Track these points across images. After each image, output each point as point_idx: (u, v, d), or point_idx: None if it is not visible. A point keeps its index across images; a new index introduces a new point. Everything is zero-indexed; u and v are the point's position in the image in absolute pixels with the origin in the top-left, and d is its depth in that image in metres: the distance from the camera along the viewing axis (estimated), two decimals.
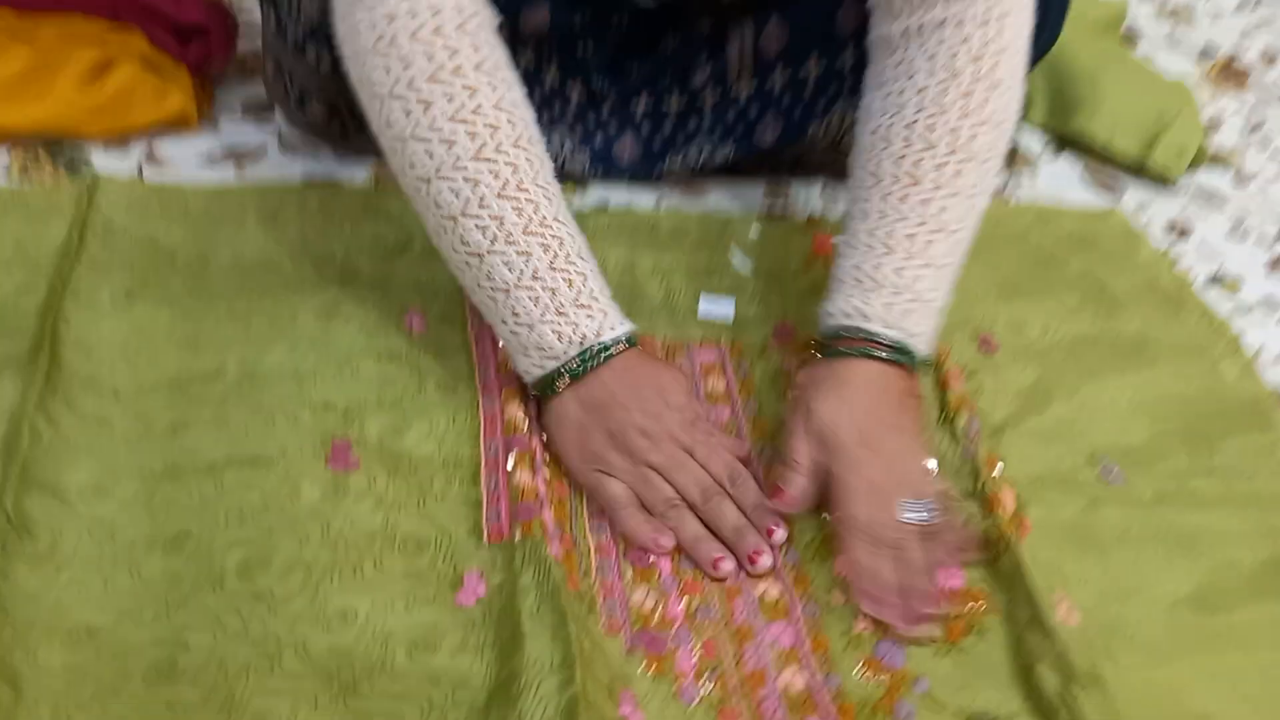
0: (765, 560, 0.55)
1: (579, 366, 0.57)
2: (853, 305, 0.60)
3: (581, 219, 0.76)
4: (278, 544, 0.53)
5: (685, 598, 0.55)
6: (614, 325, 0.58)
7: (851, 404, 0.58)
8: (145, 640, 0.48)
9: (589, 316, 0.57)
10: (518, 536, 0.54)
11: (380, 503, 0.56)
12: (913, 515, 0.55)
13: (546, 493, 0.57)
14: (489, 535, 0.55)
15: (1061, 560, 0.59)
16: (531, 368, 0.58)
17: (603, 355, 0.57)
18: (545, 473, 0.59)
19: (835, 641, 0.54)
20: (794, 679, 0.52)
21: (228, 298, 0.66)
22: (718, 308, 0.73)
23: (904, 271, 0.59)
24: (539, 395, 0.59)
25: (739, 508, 0.57)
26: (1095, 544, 0.60)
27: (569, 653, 0.47)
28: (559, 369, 0.57)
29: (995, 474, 0.62)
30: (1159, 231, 0.87)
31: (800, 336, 0.69)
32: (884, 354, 0.59)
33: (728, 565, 0.55)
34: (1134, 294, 0.78)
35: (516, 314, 0.57)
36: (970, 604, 0.56)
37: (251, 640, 0.49)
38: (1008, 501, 0.60)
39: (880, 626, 0.54)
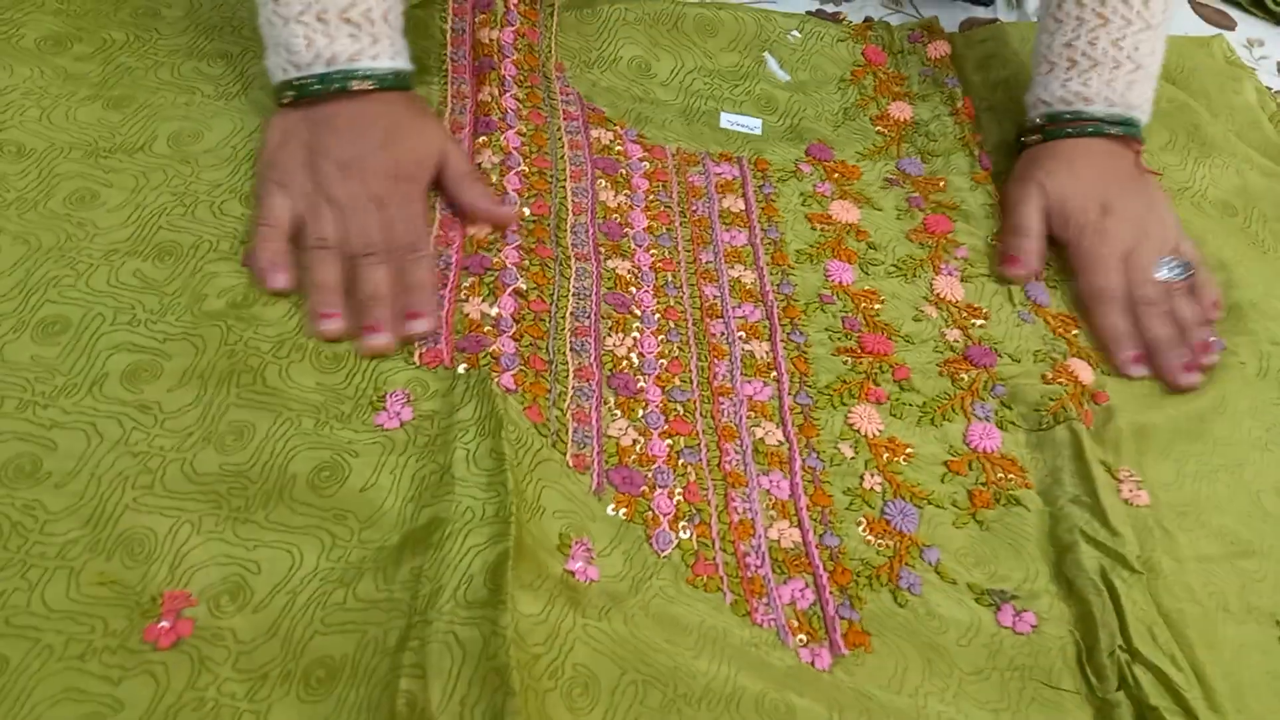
0: (380, 339, 0.47)
1: (318, 86, 0.51)
2: (1071, 90, 0.58)
3: (592, 9, 0.66)
4: (172, 352, 0.45)
5: (671, 438, 0.47)
6: (377, 56, 0.51)
7: (1085, 179, 0.57)
8: (4, 432, 0.42)
9: (352, 37, 0.51)
10: (461, 369, 0.47)
11: (297, 306, 0.48)
12: (1171, 272, 0.55)
13: (516, 313, 0.50)
14: (422, 358, 0.48)
15: (1142, 434, 0.52)
16: (275, 69, 0.52)
17: (349, 83, 0.51)
18: (519, 286, 0.51)
19: (838, 499, 0.47)
20: (785, 534, 0.46)
21: (174, 59, 0.57)
22: (743, 121, 0.63)
23: (1123, 41, 0.57)
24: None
25: (406, 283, 0.48)
26: (1185, 421, 0.53)
27: (505, 504, 0.41)
28: (296, 81, 0.51)
29: (1073, 336, 0.56)
30: (1269, 73, 0.75)
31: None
32: (1114, 129, 0.57)
33: (331, 325, 0.47)
34: (1230, 137, 0.67)
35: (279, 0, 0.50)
36: (1002, 473, 0.49)
37: (131, 450, 0.42)
38: (1083, 373, 0.53)
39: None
